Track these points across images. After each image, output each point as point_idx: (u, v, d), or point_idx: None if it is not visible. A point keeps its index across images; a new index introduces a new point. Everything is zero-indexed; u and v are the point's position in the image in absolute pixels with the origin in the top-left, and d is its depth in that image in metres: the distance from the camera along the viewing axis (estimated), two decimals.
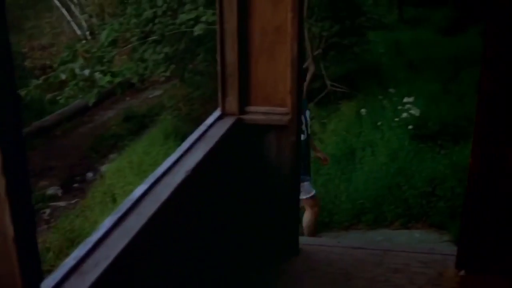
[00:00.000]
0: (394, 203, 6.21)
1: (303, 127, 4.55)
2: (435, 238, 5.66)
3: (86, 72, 9.38)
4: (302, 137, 4.26)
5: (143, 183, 2.53)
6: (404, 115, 7.88)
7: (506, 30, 3.00)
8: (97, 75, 9.34)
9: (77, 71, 9.43)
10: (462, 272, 3.53)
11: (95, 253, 1.99)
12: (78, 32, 17.74)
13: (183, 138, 3.73)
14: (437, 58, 12.44)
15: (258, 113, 3.53)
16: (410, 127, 7.73)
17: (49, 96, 13.89)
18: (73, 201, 10.24)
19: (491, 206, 3.37)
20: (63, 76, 9.57)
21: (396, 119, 7.95)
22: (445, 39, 14.73)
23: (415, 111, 7.89)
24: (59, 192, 10.59)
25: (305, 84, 9.35)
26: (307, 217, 5.49)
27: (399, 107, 8.15)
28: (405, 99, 8.26)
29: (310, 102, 10.02)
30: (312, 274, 3.62)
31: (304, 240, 4.16)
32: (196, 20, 8.73)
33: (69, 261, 1.91)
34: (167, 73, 9.94)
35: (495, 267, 3.50)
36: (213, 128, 3.35)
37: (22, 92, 9.07)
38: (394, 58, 13.12)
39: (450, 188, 6.15)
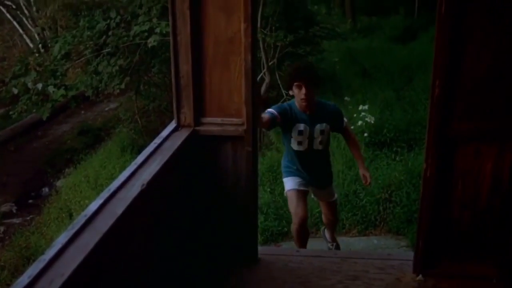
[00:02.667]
0: (352, 210, 6.26)
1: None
2: (393, 244, 5.72)
3: (39, 86, 9.24)
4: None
5: (98, 198, 2.50)
6: (360, 123, 7.97)
7: (455, 37, 3.06)
8: (51, 88, 9.20)
9: (30, 85, 9.28)
10: (419, 277, 3.57)
11: (49, 271, 1.95)
12: (31, 45, 17.46)
13: (140, 151, 3.70)
14: (390, 65, 12.65)
15: (213, 124, 3.53)
16: (365, 134, 7.81)
17: (1, 111, 13.66)
18: (28, 218, 10.06)
19: (445, 211, 3.43)
20: (15, 91, 9.41)
21: (352, 127, 8.03)
22: (397, 46, 15.00)
23: (370, 119, 7.99)
24: (14, 209, 10.39)
25: (261, 94, 9.38)
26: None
27: (355, 115, 8.24)
28: (360, 107, 8.36)
29: None
30: (271, 283, 3.62)
31: (263, 249, 4.16)
32: (150, 32, 8.69)
33: (23, 279, 1.87)
34: (122, 86, 9.84)
35: (451, 271, 3.55)
36: (168, 140, 3.33)
37: None
38: (349, 66, 13.28)
39: (406, 194, 6.23)
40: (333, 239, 5.22)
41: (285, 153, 4.73)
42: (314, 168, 4.59)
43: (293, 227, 4.56)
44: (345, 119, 4.68)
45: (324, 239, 5.30)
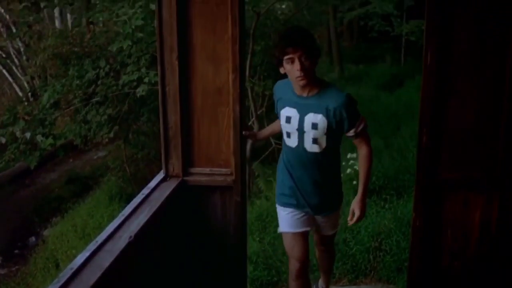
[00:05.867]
0: (342, 259, 6.20)
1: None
2: None
3: (28, 135, 9.23)
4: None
5: (84, 250, 2.47)
6: (348, 170, 7.96)
7: (440, 86, 3.10)
8: (39, 137, 9.20)
9: (18, 134, 9.28)
10: None
11: None
12: (20, 93, 17.50)
13: (128, 199, 3.68)
14: (377, 113, 12.74)
15: (201, 174, 3.53)
16: (354, 182, 7.79)
17: None
18: (14, 268, 9.93)
19: (435, 260, 3.42)
20: (3, 140, 9.39)
21: (341, 175, 8.02)
22: (384, 94, 15.13)
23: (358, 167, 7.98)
24: None
25: (250, 142, 9.40)
26: None
27: (343, 163, 8.24)
28: (349, 155, 8.35)
29: (255, 160, 10.07)
30: None
31: None
32: (139, 81, 8.74)
33: None
34: (111, 134, 9.86)
35: None
36: (156, 191, 3.32)
37: None
38: None
39: (395, 242, 6.19)
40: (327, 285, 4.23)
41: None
42: (308, 180, 3.42)
43: (291, 271, 3.53)
44: (361, 123, 3.29)
45: None
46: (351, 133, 3.28)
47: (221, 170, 3.51)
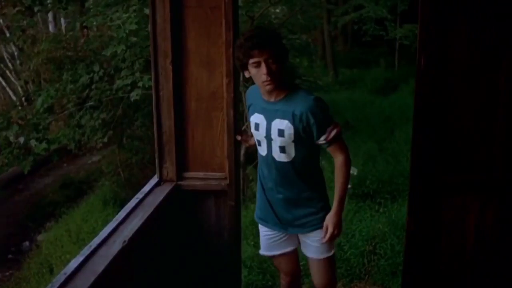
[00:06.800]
0: (336, 263, 6.20)
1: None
2: None
3: (21, 139, 9.19)
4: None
5: (78, 255, 2.47)
6: None
7: (435, 90, 3.10)
8: (33, 142, 9.15)
9: (12, 138, 9.23)
10: None
11: None
12: (14, 98, 17.45)
13: (122, 204, 3.66)
14: (372, 117, 12.77)
15: (196, 178, 3.53)
16: (349, 186, 7.79)
17: None
18: (7, 273, 9.87)
19: (430, 263, 3.41)
20: None
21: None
22: (378, 98, 15.16)
23: (353, 170, 7.98)
24: None
25: (244, 147, 9.38)
26: None
27: None
28: None
29: (249, 165, 10.06)
30: None
31: None
32: (133, 86, 8.72)
33: None
34: (105, 139, 9.83)
35: None
36: (150, 195, 3.32)
37: None
38: None
39: (390, 246, 6.19)
40: None
41: None
42: (278, 193, 3.18)
43: (281, 284, 3.56)
44: (333, 129, 2.99)
45: None
46: (322, 140, 2.99)
47: (215, 175, 3.51)
